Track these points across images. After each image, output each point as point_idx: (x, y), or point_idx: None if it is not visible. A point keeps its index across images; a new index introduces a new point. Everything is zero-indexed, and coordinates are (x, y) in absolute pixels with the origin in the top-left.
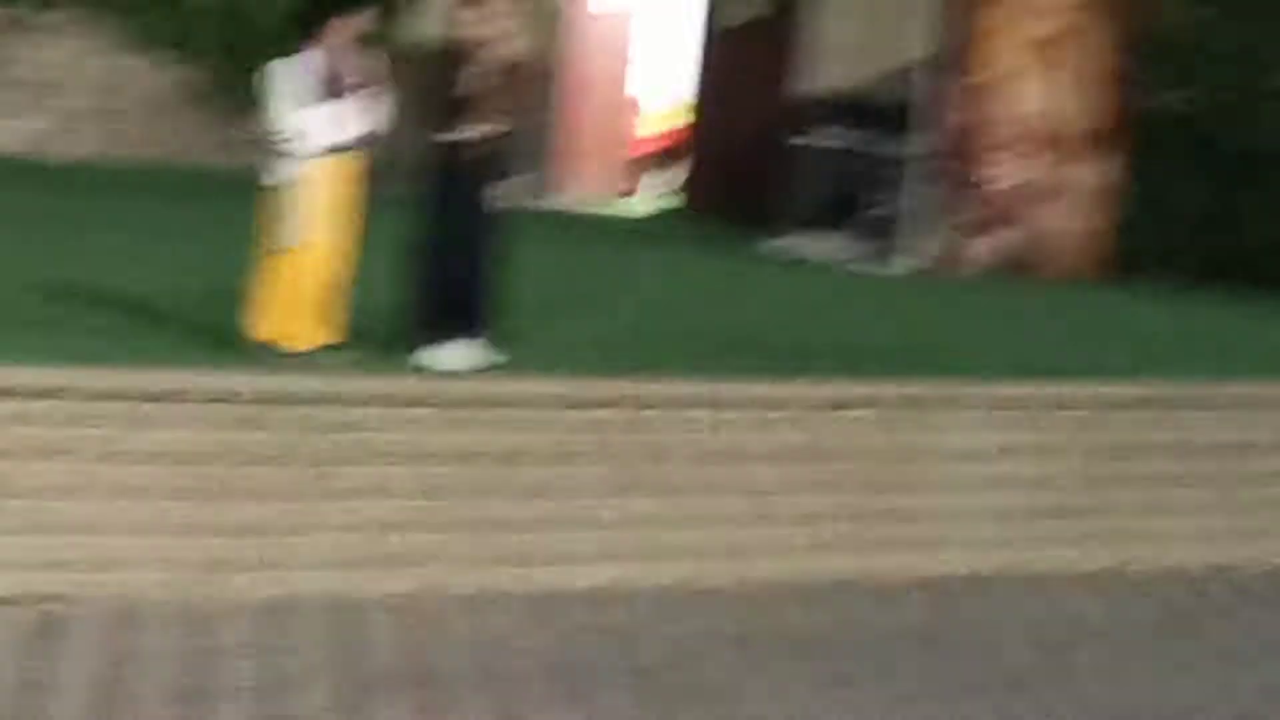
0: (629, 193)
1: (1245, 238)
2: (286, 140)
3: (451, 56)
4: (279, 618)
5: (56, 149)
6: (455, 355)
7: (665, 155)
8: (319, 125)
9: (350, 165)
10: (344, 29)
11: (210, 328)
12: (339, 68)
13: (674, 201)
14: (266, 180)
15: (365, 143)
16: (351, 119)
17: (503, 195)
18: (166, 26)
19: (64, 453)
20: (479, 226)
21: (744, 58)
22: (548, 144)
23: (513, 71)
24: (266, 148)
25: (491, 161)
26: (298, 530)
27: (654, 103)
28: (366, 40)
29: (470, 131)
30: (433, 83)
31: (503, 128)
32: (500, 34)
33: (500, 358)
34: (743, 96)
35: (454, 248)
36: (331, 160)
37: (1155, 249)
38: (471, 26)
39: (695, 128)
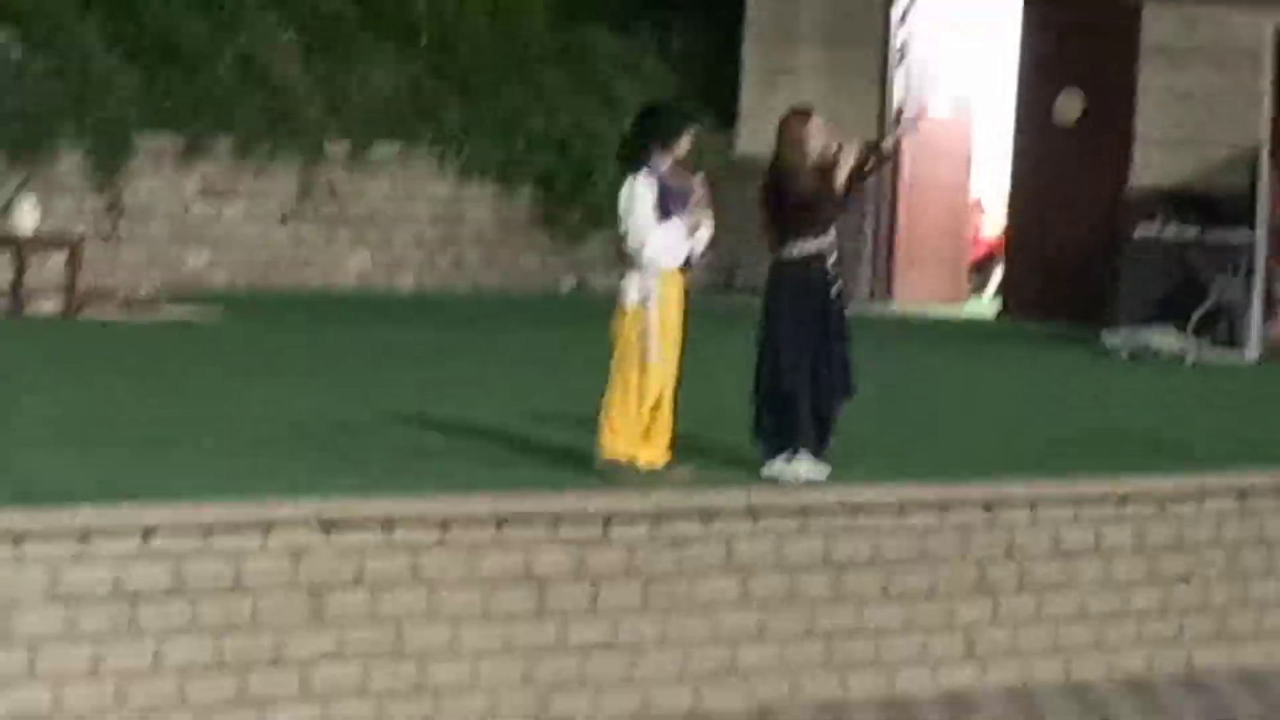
0: (972, 294)
1: None
2: (646, 257)
3: (783, 170)
4: None
5: (393, 281)
6: (801, 466)
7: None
8: (670, 242)
9: (684, 281)
10: (674, 148)
11: (561, 449)
12: (674, 186)
13: (1006, 301)
14: (621, 299)
15: (698, 258)
16: (689, 235)
17: (843, 304)
18: (495, 156)
19: (423, 579)
20: (819, 338)
21: (1067, 153)
22: (888, 249)
23: (846, 181)
24: (623, 265)
25: (829, 273)
26: (649, 647)
27: (996, 204)
28: (693, 157)
29: (807, 245)
30: (764, 197)
31: (837, 239)
32: (831, 146)
33: (843, 468)
34: (1067, 193)
35: (795, 360)
36: (674, 276)
37: None
38: (802, 140)
39: (1017, 227)
